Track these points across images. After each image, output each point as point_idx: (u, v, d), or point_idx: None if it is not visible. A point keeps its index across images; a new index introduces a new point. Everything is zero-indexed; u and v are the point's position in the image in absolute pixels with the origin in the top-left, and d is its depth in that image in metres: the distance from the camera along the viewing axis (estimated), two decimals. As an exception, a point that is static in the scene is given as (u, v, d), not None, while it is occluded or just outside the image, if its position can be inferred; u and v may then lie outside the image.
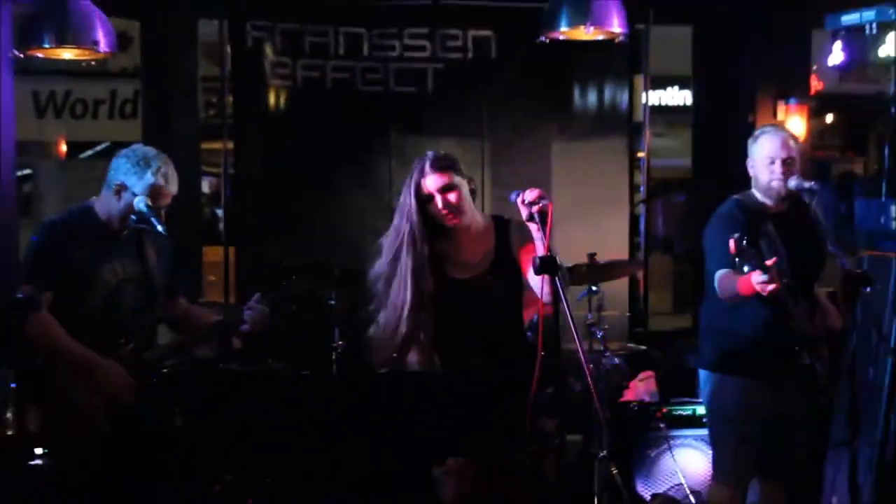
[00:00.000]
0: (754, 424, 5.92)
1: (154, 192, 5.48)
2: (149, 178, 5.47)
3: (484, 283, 5.30)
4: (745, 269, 5.14)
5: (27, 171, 12.13)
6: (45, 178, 13.00)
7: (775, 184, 5.79)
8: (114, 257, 5.54)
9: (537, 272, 4.59)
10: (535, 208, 4.75)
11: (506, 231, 5.35)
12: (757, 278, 5.12)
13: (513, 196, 4.87)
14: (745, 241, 5.16)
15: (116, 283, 5.52)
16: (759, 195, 5.90)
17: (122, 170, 5.50)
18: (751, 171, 5.93)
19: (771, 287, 5.12)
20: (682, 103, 14.39)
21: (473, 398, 5.13)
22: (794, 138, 5.91)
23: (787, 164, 5.78)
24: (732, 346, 5.89)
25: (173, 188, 5.60)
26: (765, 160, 5.82)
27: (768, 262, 5.09)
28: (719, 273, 5.68)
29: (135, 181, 5.46)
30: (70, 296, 5.33)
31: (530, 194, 4.78)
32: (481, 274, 5.30)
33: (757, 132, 5.98)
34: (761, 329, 5.75)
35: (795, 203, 5.90)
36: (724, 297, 5.70)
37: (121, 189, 5.47)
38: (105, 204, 5.55)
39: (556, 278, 4.54)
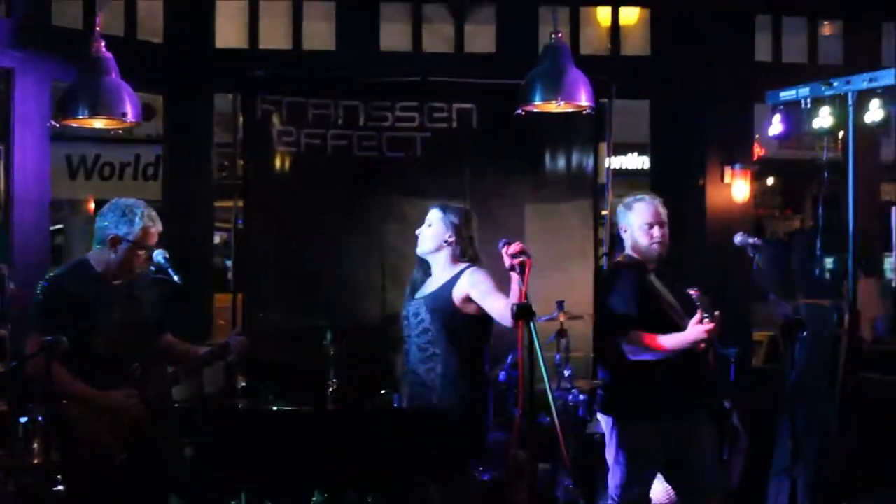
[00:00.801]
0: (658, 463, 5.91)
1: (145, 234, 5.50)
2: (138, 222, 5.50)
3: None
4: (705, 319, 5.19)
5: (59, 226, 12.13)
6: (75, 232, 13.04)
7: (655, 247, 5.84)
8: (112, 304, 5.52)
9: (515, 318, 4.63)
10: (516, 260, 4.81)
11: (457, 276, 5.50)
12: (700, 327, 5.18)
13: (501, 244, 4.96)
14: (698, 293, 5.20)
15: (115, 327, 5.50)
16: (635, 255, 5.94)
17: (111, 224, 5.50)
18: (625, 236, 6.00)
19: (709, 327, 5.21)
20: (640, 167, 14.42)
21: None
22: (664, 205, 5.94)
23: (662, 227, 5.82)
24: (646, 396, 5.86)
25: (160, 226, 5.61)
26: (642, 226, 5.86)
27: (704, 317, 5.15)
28: (632, 336, 5.73)
29: (127, 229, 5.47)
30: (75, 342, 5.27)
31: (514, 247, 4.86)
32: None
33: (628, 201, 6.06)
34: (674, 379, 5.71)
35: (663, 260, 5.94)
36: (638, 357, 5.68)
37: (115, 241, 5.47)
38: (100, 257, 5.54)
39: (531, 323, 4.57)
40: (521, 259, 4.87)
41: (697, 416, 5.89)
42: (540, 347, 4.56)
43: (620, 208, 6.05)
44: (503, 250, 4.96)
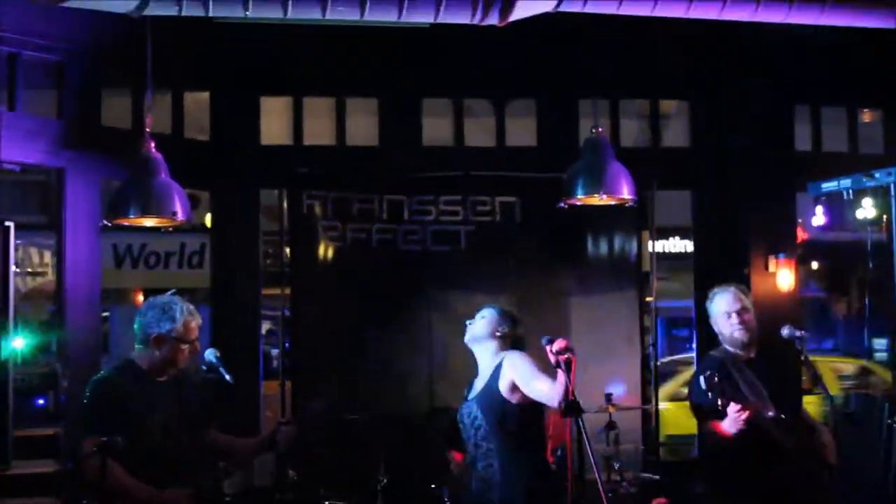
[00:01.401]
0: None
1: (187, 327, 5.49)
2: (179, 318, 5.49)
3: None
4: (718, 401, 5.23)
5: (106, 314, 12.26)
6: (121, 319, 13.19)
7: (737, 334, 5.86)
8: (160, 401, 5.51)
9: (564, 415, 4.69)
10: (561, 357, 4.85)
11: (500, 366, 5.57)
12: (732, 408, 5.22)
13: (544, 341, 5.00)
14: (715, 378, 5.25)
15: (165, 425, 5.49)
16: (728, 347, 5.94)
17: (154, 323, 5.50)
18: (715, 329, 5.99)
19: (745, 415, 5.23)
20: (682, 250, 14.47)
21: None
22: (744, 291, 5.99)
23: (742, 314, 5.85)
24: (739, 486, 5.83)
25: (199, 319, 5.64)
26: (723, 315, 5.90)
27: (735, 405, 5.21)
28: (704, 424, 5.76)
29: (169, 325, 5.47)
30: (128, 440, 5.32)
31: (559, 344, 4.90)
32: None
33: (710, 293, 6.05)
34: (762, 468, 5.69)
35: (765, 347, 5.94)
36: (714, 440, 5.72)
37: (160, 340, 5.48)
38: (145, 356, 5.53)
39: (580, 419, 4.62)
40: (566, 356, 4.90)
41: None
42: (589, 441, 4.60)
43: (707, 303, 6.10)
44: (547, 348, 4.99)
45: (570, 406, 4.70)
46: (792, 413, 5.91)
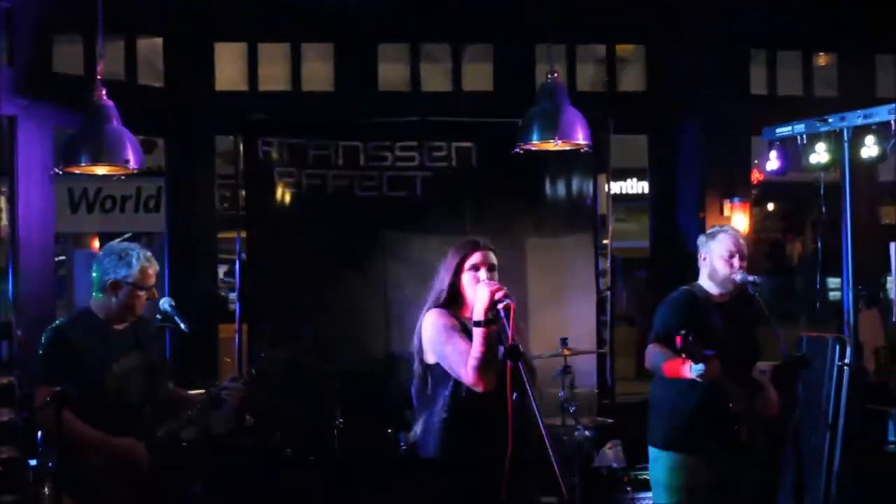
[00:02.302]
0: (697, 500, 5.93)
1: (144, 273, 5.43)
2: (136, 264, 5.44)
3: None
4: (688, 360, 5.26)
5: (62, 258, 12.19)
6: (78, 264, 13.12)
7: (736, 276, 5.85)
8: (117, 350, 5.48)
9: (503, 360, 4.67)
10: (500, 305, 4.78)
11: None
12: (696, 368, 5.24)
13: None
14: (690, 338, 5.25)
15: (122, 374, 5.46)
16: (706, 285, 5.93)
17: (109, 269, 5.45)
18: (703, 263, 5.96)
19: (710, 376, 5.26)
20: (639, 192, 14.53)
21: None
22: (744, 237, 6.01)
23: (742, 260, 5.88)
24: (677, 424, 5.88)
25: (156, 265, 5.60)
26: (723, 255, 5.88)
27: (708, 354, 5.21)
28: (651, 346, 5.75)
29: (126, 271, 5.43)
30: (83, 389, 5.33)
31: (496, 291, 4.81)
32: None
33: (712, 230, 6.01)
34: (703, 409, 5.74)
35: (739, 294, 5.97)
36: (651, 368, 5.77)
37: (116, 286, 5.43)
38: (102, 304, 5.48)
39: (520, 364, 4.59)
40: (504, 303, 4.85)
41: (731, 458, 5.89)
42: (530, 386, 4.58)
43: (702, 237, 6.06)
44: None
45: (511, 350, 4.67)
46: (747, 364, 5.97)
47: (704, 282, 5.97)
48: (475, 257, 4.99)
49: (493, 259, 5.03)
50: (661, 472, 5.97)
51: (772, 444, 6.10)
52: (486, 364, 4.79)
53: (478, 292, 4.81)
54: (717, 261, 5.91)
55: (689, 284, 6.00)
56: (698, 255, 5.99)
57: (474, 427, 5.10)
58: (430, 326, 5.02)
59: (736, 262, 5.85)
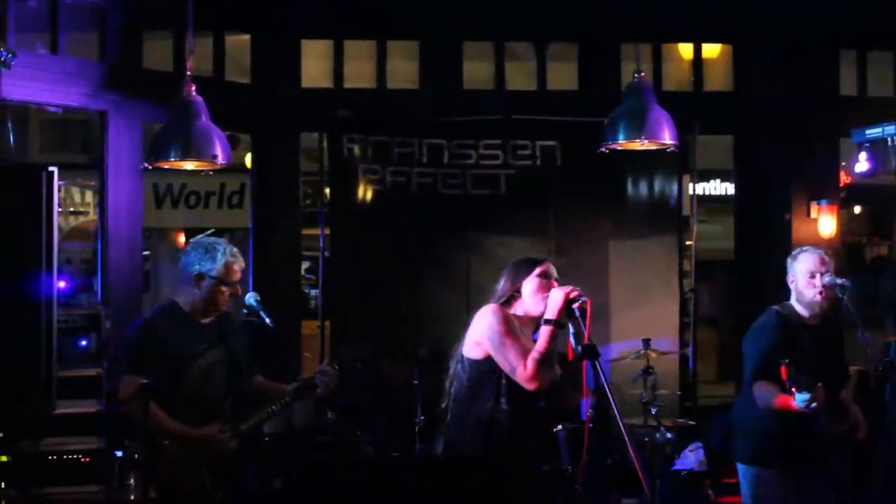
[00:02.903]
0: None
1: (228, 269, 5.49)
2: (220, 258, 5.48)
3: None
4: (793, 389, 5.18)
5: (147, 253, 12.35)
6: (162, 259, 13.30)
7: (818, 297, 5.73)
8: (202, 344, 5.55)
9: (579, 358, 4.67)
10: (575, 305, 4.82)
11: None
12: (801, 398, 5.16)
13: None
14: (793, 368, 5.18)
15: (206, 367, 5.53)
16: (797, 307, 5.81)
17: (195, 261, 5.50)
18: (791, 286, 5.84)
19: (815, 405, 5.17)
20: (723, 193, 14.36)
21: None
22: (829, 254, 5.86)
23: (825, 277, 5.74)
24: (765, 444, 5.80)
25: (242, 262, 5.64)
26: (806, 275, 5.76)
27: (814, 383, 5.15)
28: (758, 385, 5.64)
29: (210, 265, 5.48)
30: (168, 382, 5.39)
31: (571, 292, 4.85)
32: None
33: (796, 251, 5.86)
34: (792, 431, 5.66)
35: (828, 317, 5.86)
36: (760, 406, 5.68)
37: (200, 278, 5.49)
38: (187, 297, 5.55)
39: (596, 363, 4.60)
40: (580, 302, 4.87)
41: (818, 480, 5.82)
42: (607, 385, 4.56)
43: (788, 259, 5.97)
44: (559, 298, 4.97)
45: (587, 349, 4.67)
46: (837, 385, 5.88)
47: (795, 303, 5.87)
48: (545, 267, 5.16)
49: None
50: (749, 487, 5.93)
51: (857, 468, 6.03)
52: (545, 362, 4.89)
53: (552, 294, 4.91)
54: (801, 282, 5.79)
55: (780, 305, 5.89)
56: (786, 277, 5.89)
57: (522, 427, 5.15)
58: (492, 318, 5.08)
59: (818, 281, 5.72)
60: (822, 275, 5.69)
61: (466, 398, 5.15)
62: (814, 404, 5.16)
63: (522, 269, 5.19)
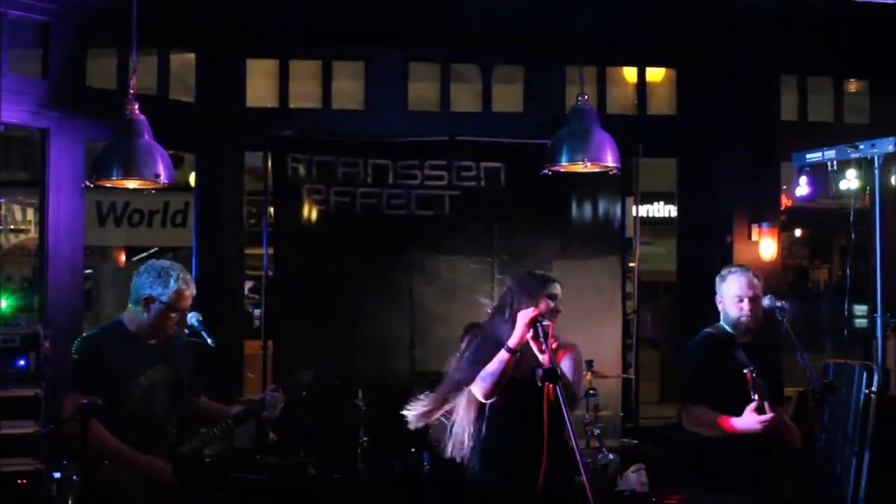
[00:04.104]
0: None
1: (179, 296, 5.45)
2: (172, 285, 5.44)
3: None
4: (754, 397, 5.23)
5: (89, 271, 12.24)
6: (105, 277, 13.19)
7: (744, 319, 5.73)
8: (146, 363, 5.49)
9: (541, 381, 4.68)
10: (539, 323, 4.87)
11: None
12: (755, 418, 5.22)
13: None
14: (755, 375, 5.23)
15: (149, 387, 5.48)
16: (727, 328, 5.85)
17: (146, 285, 5.47)
18: (720, 307, 5.87)
19: (774, 424, 5.25)
20: (666, 215, 14.47)
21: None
22: (759, 277, 5.86)
23: (754, 302, 5.79)
24: (716, 469, 5.82)
25: (193, 290, 5.62)
26: (734, 298, 5.79)
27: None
28: (693, 407, 5.66)
29: (161, 290, 5.44)
30: (110, 401, 5.33)
31: (532, 313, 4.91)
32: None
33: (724, 272, 5.88)
34: (741, 453, 5.68)
35: (761, 335, 5.89)
36: (695, 429, 5.70)
37: (150, 301, 5.44)
38: (133, 317, 5.51)
39: (557, 387, 4.61)
40: (544, 323, 4.90)
41: (767, 490, 5.84)
42: (566, 408, 4.59)
43: (717, 279, 6.00)
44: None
45: (548, 373, 4.68)
46: (775, 403, 5.92)
47: (724, 323, 5.91)
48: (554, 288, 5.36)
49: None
50: None
51: (801, 480, 6.06)
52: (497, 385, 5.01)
53: (518, 316, 4.96)
54: (728, 304, 5.84)
55: (712, 326, 5.91)
56: (716, 299, 5.94)
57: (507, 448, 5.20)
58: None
59: (745, 305, 5.76)
60: (749, 299, 5.74)
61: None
62: (768, 419, 5.23)
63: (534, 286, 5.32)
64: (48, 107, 8.45)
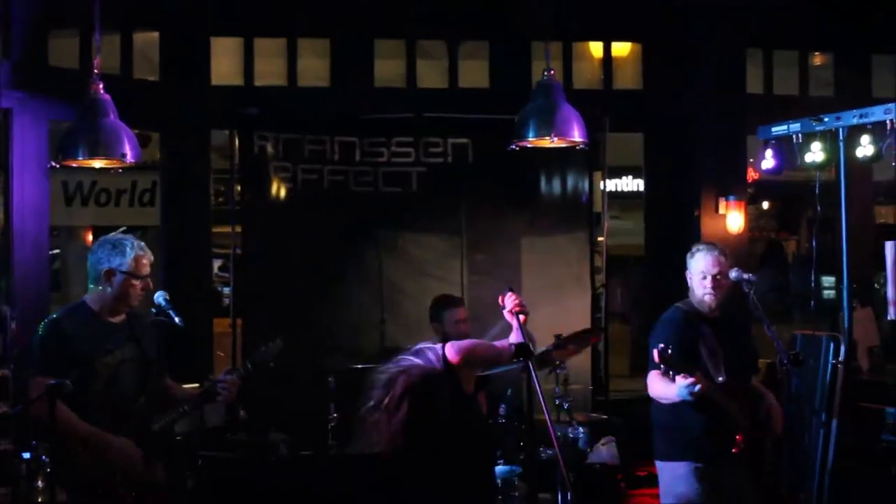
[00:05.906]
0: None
1: (138, 263, 5.43)
2: (129, 252, 5.42)
3: None
4: (671, 374, 5.26)
5: (56, 251, 12.17)
6: (72, 257, 13.11)
7: (707, 297, 5.80)
8: (112, 343, 5.46)
9: (515, 356, 4.72)
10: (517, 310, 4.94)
11: None
12: (682, 382, 5.25)
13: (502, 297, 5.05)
14: (669, 351, 5.26)
15: (115, 366, 5.44)
16: (694, 302, 5.92)
17: (103, 259, 5.43)
18: (689, 282, 5.95)
19: (697, 390, 5.25)
20: (634, 189, 14.50)
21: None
22: (725, 255, 5.92)
23: (717, 280, 5.83)
24: (680, 439, 5.87)
25: (150, 255, 5.59)
26: (698, 275, 5.86)
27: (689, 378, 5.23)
28: (651, 375, 5.72)
29: (120, 260, 5.41)
30: (77, 382, 5.30)
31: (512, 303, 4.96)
32: None
33: (693, 249, 5.95)
34: (703, 424, 5.73)
35: (727, 309, 5.95)
36: (654, 396, 5.76)
37: (111, 274, 5.41)
38: (97, 296, 5.48)
39: (530, 362, 4.65)
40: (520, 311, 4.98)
41: (735, 469, 5.87)
42: (538, 382, 4.63)
43: (687, 255, 6.05)
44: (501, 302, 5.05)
45: (521, 348, 4.73)
46: (745, 375, 5.97)
47: (690, 299, 5.96)
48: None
49: None
50: (667, 482, 5.97)
51: (777, 454, 6.10)
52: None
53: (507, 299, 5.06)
54: (694, 281, 5.90)
55: (682, 301, 5.98)
56: (686, 273, 5.98)
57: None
58: None
59: (708, 282, 5.81)
60: (713, 276, 5.78)
61: None
62: (696, 387, 5.25)
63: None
64: (10, 87, 8.40)
